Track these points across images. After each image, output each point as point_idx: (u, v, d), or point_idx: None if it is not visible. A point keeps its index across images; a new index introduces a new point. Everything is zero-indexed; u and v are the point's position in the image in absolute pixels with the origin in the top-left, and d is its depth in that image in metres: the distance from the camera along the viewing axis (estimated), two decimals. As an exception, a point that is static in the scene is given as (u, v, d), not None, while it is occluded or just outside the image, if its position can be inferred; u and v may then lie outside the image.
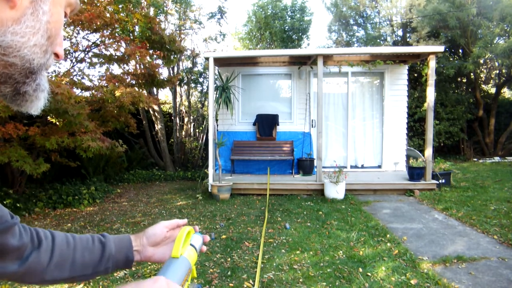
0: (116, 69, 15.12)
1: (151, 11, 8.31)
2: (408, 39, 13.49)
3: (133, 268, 3.42)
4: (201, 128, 11.12)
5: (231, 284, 3.05)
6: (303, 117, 8.31)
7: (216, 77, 7.83)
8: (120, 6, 6.30)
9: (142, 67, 7.14)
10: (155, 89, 10.23)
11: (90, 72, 9.66)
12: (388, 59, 7.40)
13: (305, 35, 13.51)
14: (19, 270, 0.63)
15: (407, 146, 8.52)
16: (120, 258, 0.76)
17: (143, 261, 0.76)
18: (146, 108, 9.38)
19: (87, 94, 6.71)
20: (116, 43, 6.54)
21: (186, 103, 11.18)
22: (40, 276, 0.67)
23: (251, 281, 3.10)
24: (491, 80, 14.05)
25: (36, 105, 0.56)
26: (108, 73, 6.96)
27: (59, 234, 0.73)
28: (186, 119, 11.09)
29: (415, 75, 12.66)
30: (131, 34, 6.83)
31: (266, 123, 8.16)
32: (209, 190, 6.70)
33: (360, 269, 3.27)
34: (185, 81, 11.00)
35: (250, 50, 13.11)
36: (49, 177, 7.16)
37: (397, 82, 8.24)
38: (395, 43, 14.25)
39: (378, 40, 14.05)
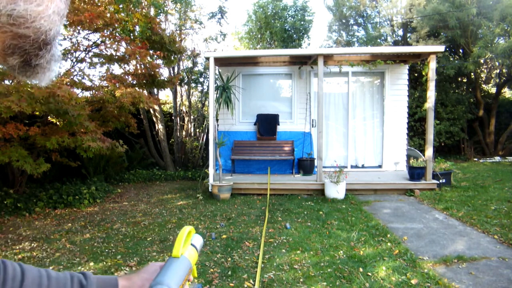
0: (116, 69, 15.12)
1: (152, 11, 8.31)
2: (408, 39, 13.49)
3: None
4: (201, 128, 11.12)
5: (231, 284, 3.05)
6: (303, 117, 8.30)
7: (216, 77, 7.83)
8: (121, 6, 6.30)
9: (142, 67, 7.15)
10: (155, 89, 10.23)
11: (90, 72, 9.68)
12: (389, 59, 7.40)
13: (306, 35, 13.49)
14: None
15: (407, 146, 8.52)
16: None
17: None
18: (146, 108, 9.38)
19: (87, 94, 6.72)
20: (116, 43, 6.55)
21: (187, 103, 11.18)
22: None
23: (251, 281, 3.10)
24: (492, 80, 14.05)
25: (48, 76, 0.49)
26: (108, 73, 6.97)
27: (31, 272, 0.60)
28: (186, 119, 11.09)
29: (416, 75, 12.65)
30: (131, 34, 6.84)
31: (267, 123, 8.16)
32: (210, 190, 6.70)
33: (361, 269, 3.27)
34: (185, 81, 11.00)
35: (251, 50, 13.09)
36: (50, 177, 7.16)
37: (398, 82, 8.24)
38: (395, 43, 14.24)
39: (379, 40, 14.05)
